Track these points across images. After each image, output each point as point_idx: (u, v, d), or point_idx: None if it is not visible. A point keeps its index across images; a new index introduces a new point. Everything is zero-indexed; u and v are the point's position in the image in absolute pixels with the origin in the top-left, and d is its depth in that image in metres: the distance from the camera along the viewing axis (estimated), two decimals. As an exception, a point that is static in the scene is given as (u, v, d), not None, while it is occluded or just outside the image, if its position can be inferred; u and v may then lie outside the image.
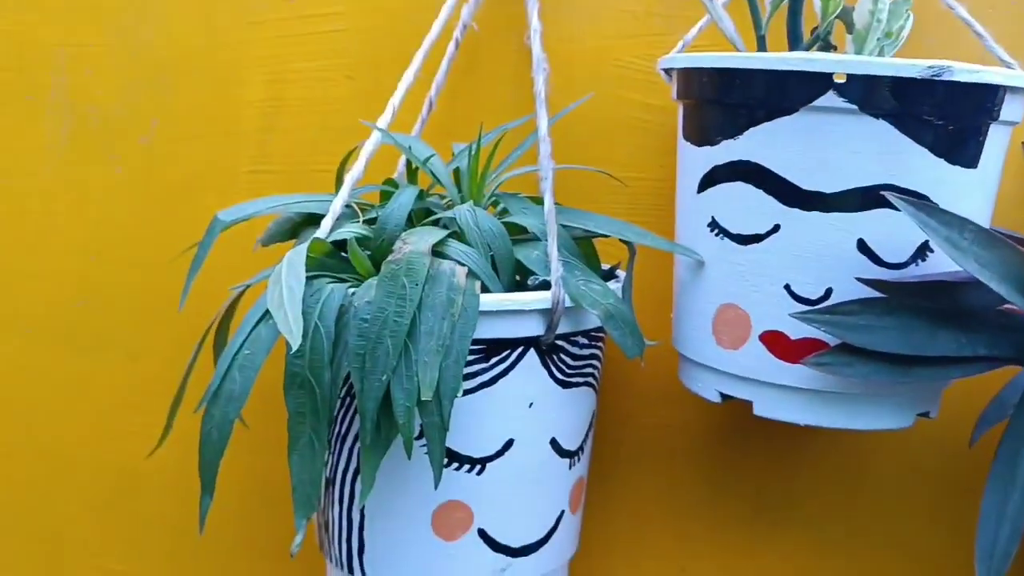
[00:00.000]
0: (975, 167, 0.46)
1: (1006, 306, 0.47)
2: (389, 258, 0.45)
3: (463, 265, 0.47)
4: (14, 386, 0.68)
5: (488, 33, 0.63)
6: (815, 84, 0.44)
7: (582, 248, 0.56)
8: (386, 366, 0.43)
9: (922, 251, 0.46)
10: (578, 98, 0.63)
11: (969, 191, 0.46)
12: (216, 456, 0.45)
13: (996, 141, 0.47)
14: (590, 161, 0.63)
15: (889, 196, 0.42)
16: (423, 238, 0.47)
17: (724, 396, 0.51)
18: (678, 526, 0.65)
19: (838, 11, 0.49)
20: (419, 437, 0.46)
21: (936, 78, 0.43)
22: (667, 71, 0.54)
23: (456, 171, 0.55)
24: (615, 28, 0.63)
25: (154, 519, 0.68)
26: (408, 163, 0.55)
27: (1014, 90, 0.46)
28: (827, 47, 0.52)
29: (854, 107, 0.44)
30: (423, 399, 0.43)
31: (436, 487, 0.45)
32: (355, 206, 0.53)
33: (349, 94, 0.65)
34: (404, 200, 0.51)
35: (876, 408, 0.48)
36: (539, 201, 0.51)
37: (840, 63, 0.44)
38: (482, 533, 0.49)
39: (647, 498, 0.65)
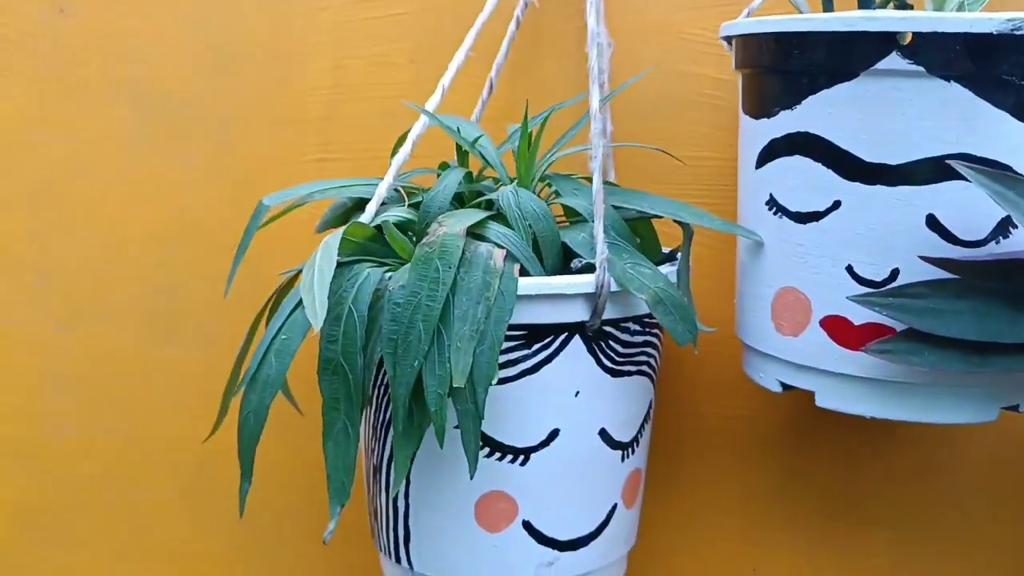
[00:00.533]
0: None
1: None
2: (423, 240, 0.44)
3: (501, 247, 0.45)
4: (98, 372, 0.71)
5: (551, 9, 0.61)
6: (876, 45, 0.41)
7: (641, 230, 0.54)
8: (418, 352, 0.42)
9: (1003, 227, 0.42)
10: (655, 78, 0.60)
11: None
12: (252, 441, 0.45)
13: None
14: (656, 140, 0.60)
15: (957, 165, 0.38)
16: (460, 220, 0.46)
17: (785, 386, 0.48)
18: (748, 524, 0.61)
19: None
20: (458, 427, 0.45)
21: (1016, 32, 0.39)
22: (728, 40, 0.51)
23: (510, 152, 0.54)
24: (683, 1, 0.60)
25: (226, 502, 0.70)
26: (457, 146, 0.54)
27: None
28: (903, 7, 0.47)
29: (921, 69, 0.40)
30: (455, 386, 0.42)
31: (472, 477, 0.43)
32: (402, 190, 0.52)
33: (412, 78, 0.64)
34: (449, 183, 0.50)
35: (953, 400, 0.44)
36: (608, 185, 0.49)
37: (904, 20, 0.40)
38: (527, 525, 0.48)
39: (715, 495, 0.62)
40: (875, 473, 0.60)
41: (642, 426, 0.51)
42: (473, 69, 0.58)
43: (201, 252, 0.68)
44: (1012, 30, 0.39)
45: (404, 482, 0.48)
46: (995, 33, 0.39)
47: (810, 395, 0.48)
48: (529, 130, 0.51)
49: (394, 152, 0.53)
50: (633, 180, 0.61)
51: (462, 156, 0.54)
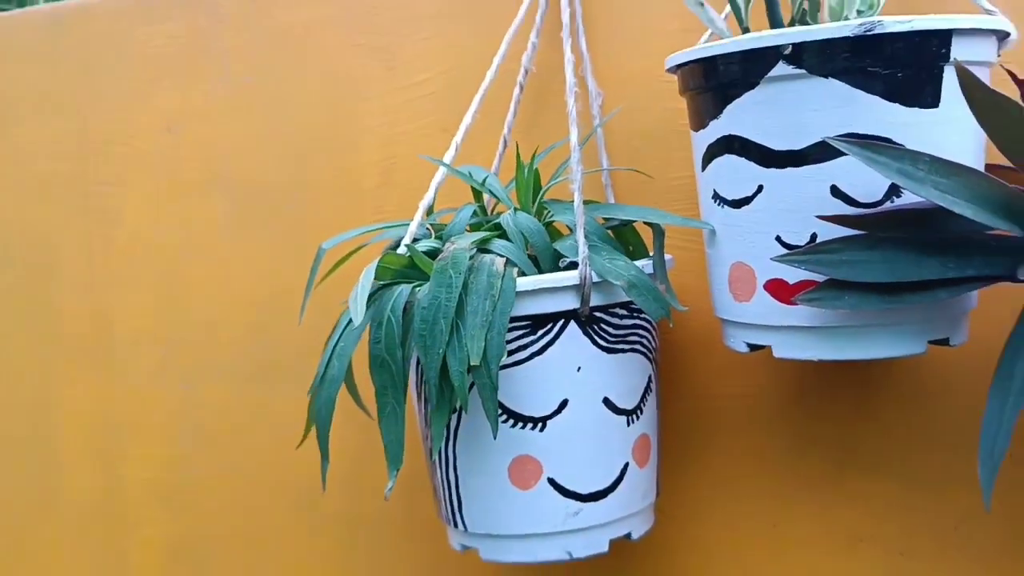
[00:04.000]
0: (936, 106, 0.51)
1: (995, 231, 0.51)
2: (439, 256, 0.57)
3: (502, 256, 0.58)
4: (216, 420, 0.86)
5: (545, 71, 0.75)
6: (766, 58, 0.52)
7: (628, 236, 0.66)
8: (442, 342, 0.55)
9: (895, 189, 0.52)
10: (635, 114, 0.73)
11: (934, 129, 0.52)
12: (326, 427, 0.58)
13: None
14: (649, 165, 0.72)
15: (832, 141, 0.49)
16: (467, 238, 0.59)
17: (750, 346, 0.58)
18: (766, 486, 0.70)
19: (803, -4, 0.57)
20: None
21: (869, 33, 0.50)
22: (673, 72, 0.63)
23: (518, 187, 0.67)
24: (656, 48, 0.72)
25: (331, 521, 0.83)
26: (472, 188, 0.67)
27: (963, 32, 0.51)
28: (804, 23, 0.59)
29: (804, 72, 0.52)
30: (473, 364, 0.54)
31: (495, 437, 0.56)
32: (430, 227, 0.66)
33: (446, 144, 0.78)
34: (462, 216, 0.64)
35: (884, 337, 0.54)
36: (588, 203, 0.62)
37: (780, 36, 0.52)
38: (552, 482, 0.59)
39: (732, 462, 0.71)
40: (881, 431, 0.68)
41: (644, 396, 0.62)
42: (493, 128, 0.72)
43: (287, 311, 0.83)
44: (865, 32, 0.50)
45: (451, 456, 0.60)
46: (852, 36, 0.50)
47: (801, 366, 0.58)
48: (525, 169, 0.64)
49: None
50: (633, 200, 0.73)
51: (477, 195, 0.67)
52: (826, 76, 0.51)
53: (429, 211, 0.67)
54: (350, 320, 0.59)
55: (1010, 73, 0.54)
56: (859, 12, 0.58)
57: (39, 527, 0.93)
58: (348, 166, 0.82)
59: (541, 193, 0.65)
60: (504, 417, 0.58)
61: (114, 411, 0.89)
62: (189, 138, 0.87)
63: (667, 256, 0.62)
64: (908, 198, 0.52)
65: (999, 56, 0.56)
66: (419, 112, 0.80)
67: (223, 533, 0.86)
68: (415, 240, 0.64)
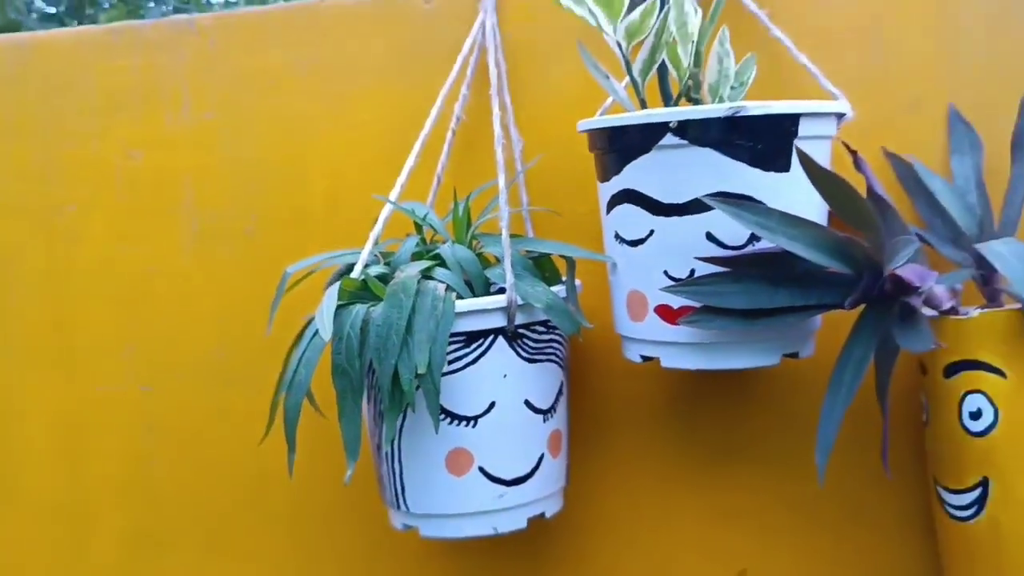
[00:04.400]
0: (788, 171, 0.66)
1: (831, 270, 0.66)
2: (391, 282, 0.69)
3: (443, 283, 0.70)
4: (176, 418, 0.96)
5: (475, 121, 0.87)
6: (658, 131, 0.66)
7: (543, 264, 0.79)
8: (394, 354, 0.67)
9: (755, 236, 0.66)
10: (555, 158, 0.86)
11: (787, 189, 0.66)
12: (293, 424, 0.69)
13: (808, 150, 0.66)
14: (567, 203, 0.85)
15: (705, 199, 0.63)
16: (415, 267, 0.71)
17: (643, 357, 0.72)
18: (656, 471, 0.85)
19: (688, 76, 0.71)
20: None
21: (735, 115, 0.64)
22: (584, 133, 0.76)
23: (450, 222, 0.79)
24: (570, 103, 0.85)
25: (282, 510, 0.94)
26: (414, 221, 0.79)
27: (808, 114, 0.66)
28: (692, 100, 0.73)
29: (686, 142, 0.65)
30: (419, 372, 0.66)
31: (436, 432, 0.68)
32: (379, 255, 0.78)
33: (385, 178, 0.89)
34: (407, 247, 0.76)
35: (747, 351, 0.68)
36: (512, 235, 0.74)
37: (668, 114, 0.65)
38: (481, 470, 0.71)
39: (629, 453, 0.85)
40: (754, 422, 0.83)
41: (557, 398, 0.75)
42: (428, 166, 0.84)
43: (245, 319, 0.93)
44: (733, 114, 0.64)
45: (396, 449, 0.72)
46: (724, 116, 0.64)
47: (683, 374, 0.71)
48: (459, 207, 0.77)
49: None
50: (551, 234, 0.86)
51: (418, 228, 0.79)
52: (704, 146, 0.65)
53: (375, 241, 0.78)
54: (315, 333, 0.70)
55: (845, 145, 0.69)
56: (732, 88, 0.72)
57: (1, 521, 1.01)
58: (298, 195, 0.93)
59: (473, 227, 0.77)
60: (443, 416, 0.70)
61: (75, 411, 0.98)
62: (149, 164, 0.96)
63: (577, 282, 0.75)
64: (765, 244, 0.66)
65: (839, 130, 0.71)
66: (362, 150, 0.91)
67: (180, 523, 0.96)
68: (366, 265, 0.76)
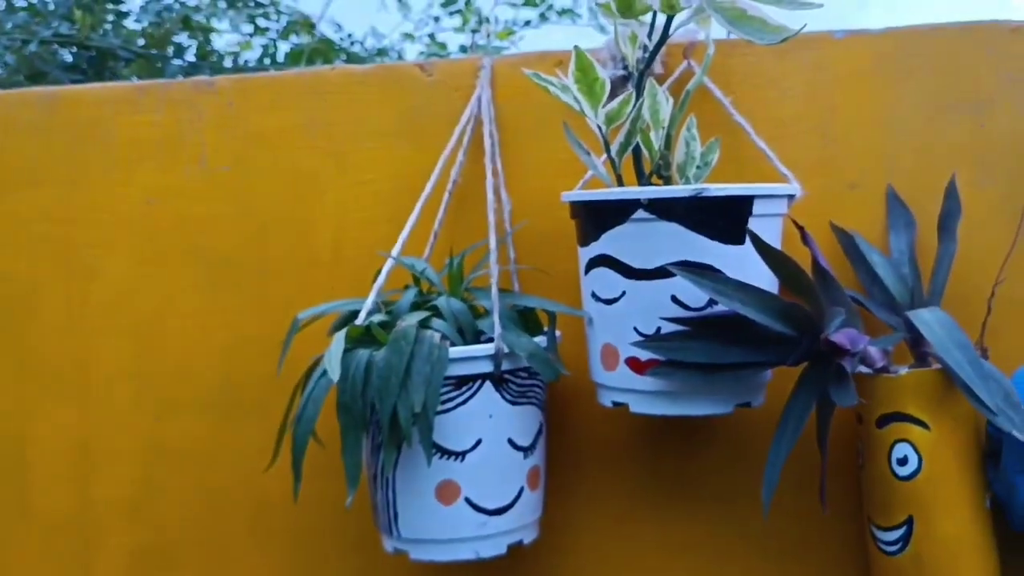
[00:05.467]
0: (743, 244, 0.76)
1: (778, 331, 0.75)
2: (393, 331, 0.78)
3: (438, 332, 0.79)
4: (185, 448, 1.03)
5: (470, 184, 0.96)
6: (632, 206, 0.76)
7: (528, 317, 0.88)
8: (393, 395, 0.75)
9: (713, 300, 0.76)
10: (541, 221, 0.95)
11: (742, 259, 0.76)
12: (301, 455, 0.77)
13: (760, 227, 0.76)
14: (550, 262, 0.95)
15: (669, 267, 0.73)
16: (414, 317, 0.80)
17: (614, 403, 0.81)
18: (623, 505, 0.94)
19: (659, 156, 0.81)
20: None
21: (698, 195, 0.74)
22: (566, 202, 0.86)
23: (446, 276, 0.88)
24: (554, 172, 0.95)
25: (281, 534, 1.02)
26: (412, 275, 0.88)
27: (761, 196, 0.76)
28: (663, 178, 0.83)
29: (655, 217, 0.75)
30: (416, 412, 0.75)
31: (428, 466, 0.76)
32: (381, 304, 0.87)
33: (387, 232, 0.98)
34: (407, 298, 0.85)
35: (705, 400, 0.77)
36: (500, 290, 0.83)
37: (641, 192, 0.75)
38: (467, 500, 0.79)
39: (599, 489, 0.95)
40: (710, 462, 0.92)
41: (537, 437, 0.83)
42: (425, 223, 0.93)
43: (253, 359, 1.02)
44: (696, 195, 0.74)
45: (391, 479, 0.80)
46: (688, 196, 0.74)
47: (649, 419, 0.80)
48: (453, 263, 0.86)
49: (374, 280, 0.88)
50: (535, 286, 0.95)
51: (416, 280, 0.88)
52: (671, 221, 0.75)
53: (378, 292, 0.87)
54: (323, 373, 0.78)
55: (794, 222, 0.79)
56: (697, 168, 0.83)
57: (10, 541, 1.07)
58: (304, 245, 1.02)
59: (466, 282, 0.86)
60: (434, 451, 0.79)
61: (88, 438, 1.05)
62: (168, 211, 1.05)
63: (557, 333, 0.85)
64: (722, 307, 0.76)
65: (789, 207, 0.81)
66: (365, 206, 1.00)
67: (185, 545, 1.03)
68: (369, 313, 0.84)
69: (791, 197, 0.81)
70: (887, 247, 0.87)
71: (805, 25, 0.71)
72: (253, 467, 1.00)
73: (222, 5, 2.85)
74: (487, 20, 3.20)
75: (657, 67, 0.89)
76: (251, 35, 2.98)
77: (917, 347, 0.81)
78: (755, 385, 0.80)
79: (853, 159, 0.91)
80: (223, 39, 3.07)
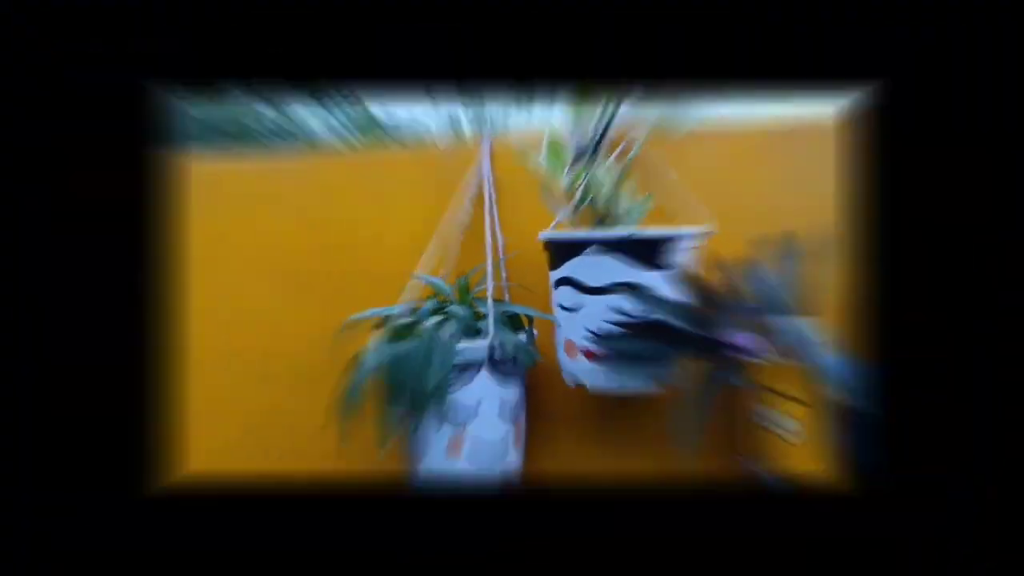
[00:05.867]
0: (665, 269, 1.07)
1: (693, 332, 1.07)
2: (417, 329, 1.09)
3: (450, 331, 1.10)
4: (263, 415, 1.35)
5: (480, 224, 1.28)
6: (586, 244, 1.06)
7: (513, 319, 1.19)
8: (415, 375, 1.07)
9: (644, 310, 1.07)
10: (525, 251, 1.26)
11: (666, 281, 1.07)
12: (350, 420, 1.09)
13: (679, 257, 1.06)
14: (532, 280, 1.25)
15: (612, 286, 1.04)
16: (433, 320, 1.11)
17: (576, 383, 1.12)
18: (584, 452, 1.21)
19: (608, 204, 1.12)
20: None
21: (631, 237, 1.05)
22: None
23: (456, 290, 1.20)
24: (537, 217, 1.26)
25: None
26: (434, 290, 1.20)
27: (674, 237, 1.07)
28: (609, 223, 1.14)
29: (603, 249, 1.06)
30: (433, 387, 1.06)
31: (440, 429, 1.07)
32: (408, 311, 1.18)
33: (413, 258, 1.29)
34: (428, 307, 1.15)
35: (639, 381, 1.07)
36: (495, 301, 1.15)
37: (590, 235, 1.06)
38: (468, 453, 1.11)
39: (566, 443, 1.21)
40: (634, 425, 1.23)
41: (519, 407, 1.15)
42: (443, 253, 1.25)
43: (314, 351, 1.33)
44: (629, 236, 1.04)
45: (416, 438, 1.12)
46: (624, 237, 1.05)
47: (602, 396, 1.12)
48: (462, 280, 1.17)
49: (404, 293, 1.19)
50: (520, 298, 1.26)
51: (435, 293, 1.20)
52: (614, 252, 1.06)
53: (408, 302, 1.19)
54: (367, 360, 1.10)
55: (710, 253, 1.10)
56: (634, 215, 1.14)
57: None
58: (351, 266, 1.33)
59: (471, 295, 1.18)
60: (446, 417, 1.09)
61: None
62: (260, 243, 1.37)
63: (534, 331, 1.16)
64: (652, 315, 1.07)
65: (706, 240, 1.12)
66: (397, 239, 1.31)
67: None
68: (400, 317, 1.16)
69: (700, 235, 1.12)
70: (769, 271, 1.18)
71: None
72: (319, 428, 1.32)
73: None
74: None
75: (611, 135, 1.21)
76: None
77: (786, 344, 1.12)
78: (674, 371, 1.11)
79: (757, 204, 1.21)
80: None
